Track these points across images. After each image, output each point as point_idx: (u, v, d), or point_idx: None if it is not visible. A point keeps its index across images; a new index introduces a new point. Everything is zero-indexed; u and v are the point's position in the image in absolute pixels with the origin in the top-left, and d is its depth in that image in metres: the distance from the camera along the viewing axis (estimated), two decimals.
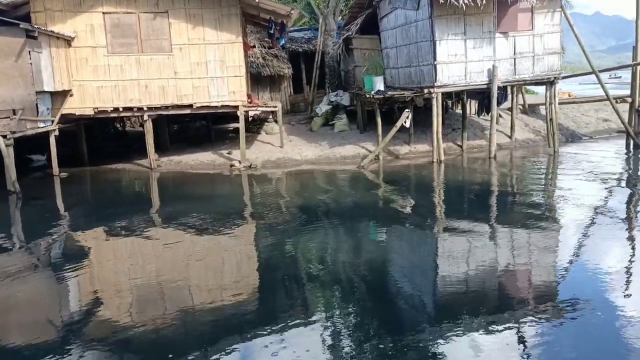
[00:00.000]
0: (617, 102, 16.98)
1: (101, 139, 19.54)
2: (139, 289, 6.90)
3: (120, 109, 15.62)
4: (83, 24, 15.02)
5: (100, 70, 15.28)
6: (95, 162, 16.57)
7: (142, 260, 8.22)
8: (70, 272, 7.57)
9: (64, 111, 15.08)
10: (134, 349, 5.31)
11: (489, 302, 6.15)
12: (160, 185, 14.51)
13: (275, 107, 17.44)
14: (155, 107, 15.64)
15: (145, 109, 15.59)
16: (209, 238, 9.24)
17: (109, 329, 5.73)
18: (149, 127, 15.68)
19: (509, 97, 18.53)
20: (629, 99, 16.73)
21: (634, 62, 16.34)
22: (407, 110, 15.82)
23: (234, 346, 5.28)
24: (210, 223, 10.12)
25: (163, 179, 15.02)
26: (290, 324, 5.71)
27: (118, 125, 21.61)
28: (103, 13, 15.01)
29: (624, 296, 6.13)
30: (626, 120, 16.55)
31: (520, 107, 20.78)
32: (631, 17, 16.24)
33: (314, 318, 5.87)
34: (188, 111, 16.02)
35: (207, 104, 15.80)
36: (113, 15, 15.06)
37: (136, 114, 16.27)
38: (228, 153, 16.79)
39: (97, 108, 15.42)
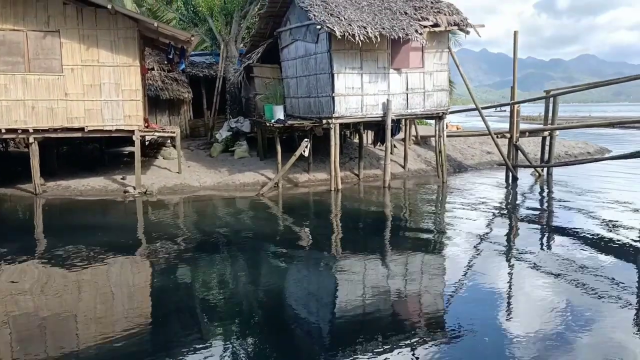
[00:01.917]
0: (498, 136, 18.41)
1: None
2: (15, 324, 6.46)
3: (3, 131, 14.60)
4: None
5: None
6: None
7: (18, 295, 7.63)
8: None
9: None
10: None
11: (381, 328, 6.38)
12: (45, 213, 13.62)
13: (174, 132, 17.10)
14: (42, 130, 14.77)
15: (31, 131, 14.68)
16: (97, 270, 8.79)
17: None
18: (34, 150, 14.76)
19: (403, 128, 19.52)
20: (508, 135, 18.20)
21: (512, 102, 17.85)
22: (306, 139, 16.17)
23: None
24: (98, 254, 9.62)
25: (49, 206, 14.14)
26: (183, 356, 5.62)
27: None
28: None
29: (505, 319, 6.67)
30: (506, 154, 17.96)
31: (414, 138, 21.93)
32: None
33: (208, 351, 5.80)
34: (79, 134, 15.25)
35: (101, 128, 15.18)
36: None
37: (21, 135, 15.22)
38: (122, 178, 16.18)
39: None
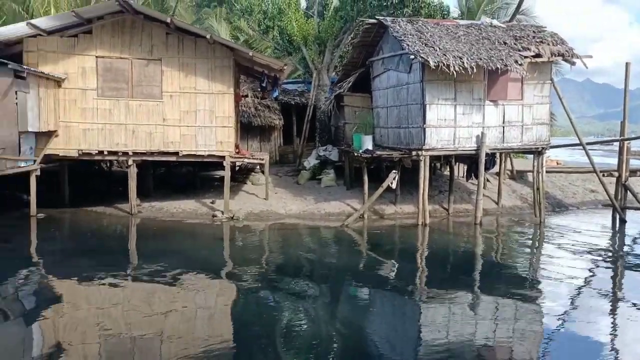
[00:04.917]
0: (604, 175, 16.99)
1: (85, 177, 19.21)
2: (107, 341, 6.71)
3: (105, 152, 15.44)
4: (75, 66, 15.02)
5: (88, 112, 15.18)
6: (76, 203, 16.25)
7: (112, 312, 7.89)
8: (33, 322, 7.30)
9: (47, 151, 14.90)
10: None
11: None
12: (138, 233, 14.15)
13: (263, 159, 17.30)
14: (140, 153, 15.48)
15: (130, 153, 15.42)
16: (184, 292, 8.94)
17: None
18: (132, 173, 15.45)
19: (497, 161, 18.57)
20: (616, 173, 16.74)
21: (621, 138, 16.45)
22: (394, 171, 15.75)
23: None
24: (185, 276, 9.79)
25: (142, 226, 14.67)
26: None
27: (104, 165, 21.35)
28: (96, 57, 15.03)
29: None
30: (613, 194, 16.51)
31: (509, 172, 20.83)
32: (619, 87, 16.54)
33: None
34: (173, 158, 15.84)
35: (194, 153, 15.67)
36: (106, 59, 15.09)
37: (121, 158, 16.06)
38: (212, 202, 16.54)
39: (82, 150, 15.25)
